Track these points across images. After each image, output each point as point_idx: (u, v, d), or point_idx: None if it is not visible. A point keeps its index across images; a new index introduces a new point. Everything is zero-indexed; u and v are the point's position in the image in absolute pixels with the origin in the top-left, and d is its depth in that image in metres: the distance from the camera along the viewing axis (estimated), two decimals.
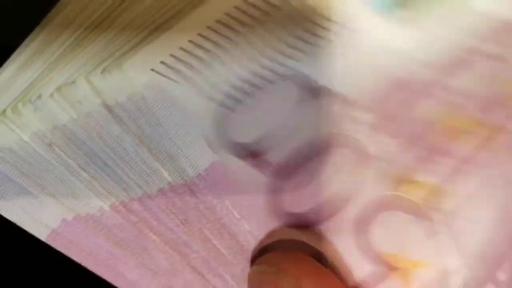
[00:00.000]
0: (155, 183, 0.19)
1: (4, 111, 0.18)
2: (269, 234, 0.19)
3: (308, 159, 0.19)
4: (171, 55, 0.18)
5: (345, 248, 0.19)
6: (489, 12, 0.18)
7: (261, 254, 0.19)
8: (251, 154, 0.18)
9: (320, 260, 0.19)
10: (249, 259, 0.19)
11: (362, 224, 0.19)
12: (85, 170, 0.18)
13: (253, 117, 0.18)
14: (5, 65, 0.18)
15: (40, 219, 0.19)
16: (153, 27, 0.18)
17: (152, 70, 0.18)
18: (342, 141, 0.19)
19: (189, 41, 0.18)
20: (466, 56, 0.18)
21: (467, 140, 0.18)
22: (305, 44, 0.18)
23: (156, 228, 0.19)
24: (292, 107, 0.18)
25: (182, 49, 0.18)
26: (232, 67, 0.18)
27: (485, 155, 0.19)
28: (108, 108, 0.18)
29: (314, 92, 0.18)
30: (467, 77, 0.18)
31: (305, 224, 0.19)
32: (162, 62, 0.18)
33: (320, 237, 0.19)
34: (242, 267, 0.19)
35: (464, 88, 0.18)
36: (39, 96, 0.18)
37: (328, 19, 0.18)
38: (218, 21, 0.18)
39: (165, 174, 0.19)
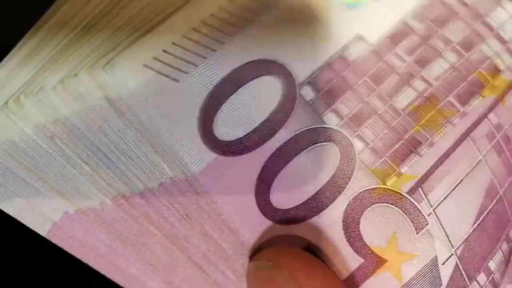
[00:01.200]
0: (156, 178, 0.19)
1: (6, 103, 0.18)
2: (267, 230, 0.19)
3: (294, 154, 0.19)
4: (172, 45, 0.18)
5: (336, 241, 0.19)
6: None
7: (259, 249, 0.19)
8: (238, 151, 0.18)
9: (315, 252, 0.19)
10: (249, 254, 0.19)
11: (352, 218, 0.19)
12: (86, 163, 0.18)
13: (238, 114, 0.18)
14: (7, 57, 0.18)
15: (41, 212, 0.19)
16: (157, 20, 0.18)
17: (155, 59, 0.18)
18: (327, 136, 0.19)
19: (183, 36, 0.18)
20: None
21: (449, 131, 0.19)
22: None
23: (157, 223, 0.19)
24: (277, 102, 0.18)
25: (185, 37, 0.18)
26: (224, 63, 0.18)
27: (466, 145, 0.19)
28: (110, 102, 0.18)
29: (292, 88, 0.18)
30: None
31: (297, 219, 0.19)
32: (164, 51, 0.18)
33: (313, 230, 0.19)
34: (242, 262, 0.19)
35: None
36: (42, 88, 0.18)
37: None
38: (212, 15, 0.18)
39: (167, 168, 0.19)
